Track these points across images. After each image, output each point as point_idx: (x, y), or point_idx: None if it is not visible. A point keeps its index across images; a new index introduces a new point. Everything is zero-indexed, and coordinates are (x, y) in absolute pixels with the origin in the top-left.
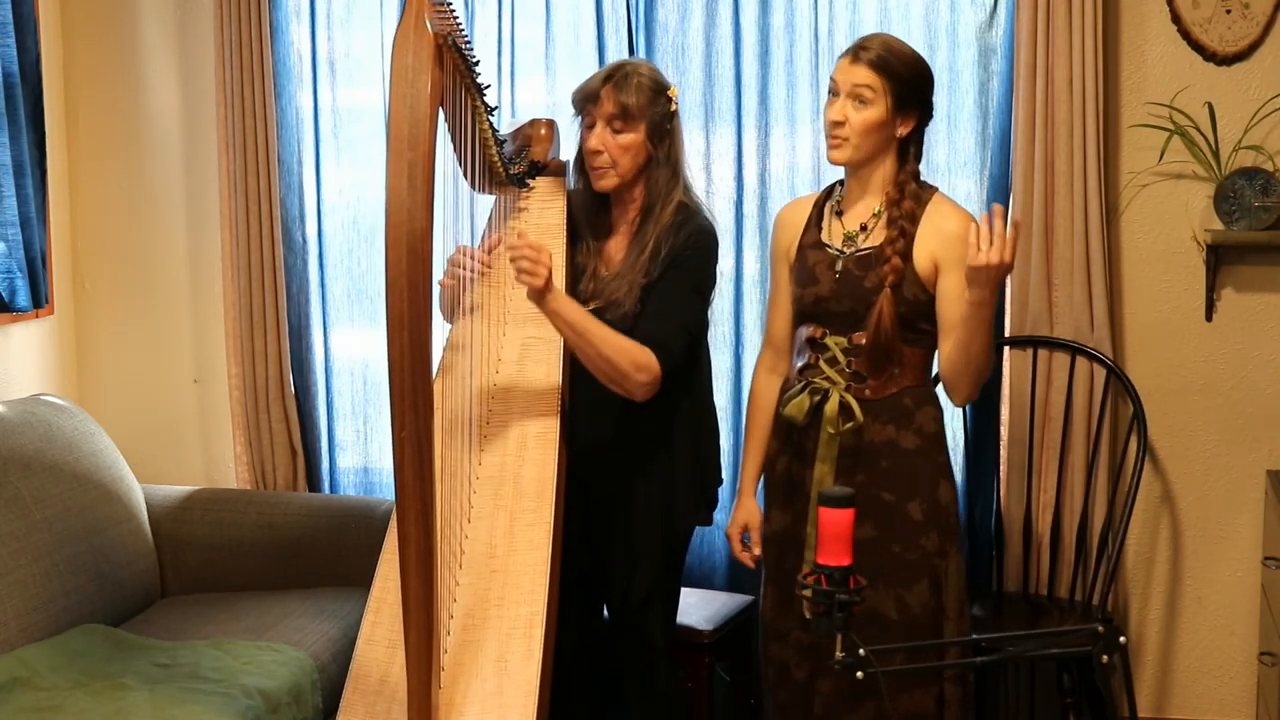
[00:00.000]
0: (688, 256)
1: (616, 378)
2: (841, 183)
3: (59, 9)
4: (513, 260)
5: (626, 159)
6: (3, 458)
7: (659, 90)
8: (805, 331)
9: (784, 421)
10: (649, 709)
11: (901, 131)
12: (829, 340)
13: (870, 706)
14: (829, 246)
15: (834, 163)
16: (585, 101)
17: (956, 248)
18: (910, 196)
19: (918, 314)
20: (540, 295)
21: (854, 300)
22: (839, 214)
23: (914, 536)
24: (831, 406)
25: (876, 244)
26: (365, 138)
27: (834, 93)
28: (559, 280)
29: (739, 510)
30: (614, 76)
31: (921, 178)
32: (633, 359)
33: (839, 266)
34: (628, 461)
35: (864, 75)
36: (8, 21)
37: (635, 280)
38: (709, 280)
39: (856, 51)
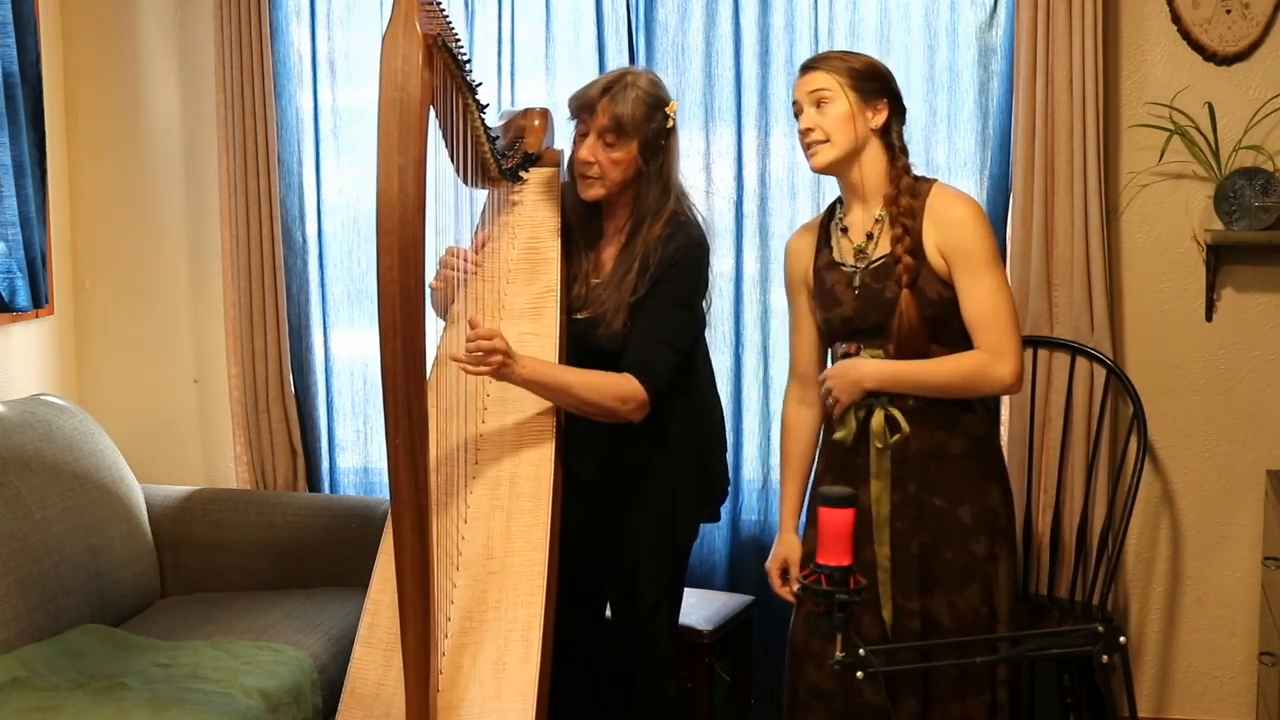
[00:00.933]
0: (674, 272)
1: (606, 414)
2: (840, 200)
3: (59, 9)
4: (466, 360)
5: (616, 172)
6: (3, 458)
7: (656, 105)
8: (840, 349)
9: (831, 442)
10: (658, 714)
11: (875, 122)
12: (865, 354)
13: (970, 701)
14: (843, 265)
15: (817, 170)
16: (581, 110)
17: (955, 234)
18: (906, 192)
19: (947, 313)
20: (505, 376)
21: (879, 314)
22: (844, 230)
23: (964, 541)
24: (877, 421)
25: (886, 251)
26: (365, 138)
27: (798, 112)
28: (554, 274)
29: (779, 545)
30: (612, 88)
31: (918, 173)
32: (615, 394)
33: (857, 282)
34: (627, 462)
35: (817, 79)
36: (8, 21)
37: (623, 300)
38: (698, 292)
39: (804, 67)
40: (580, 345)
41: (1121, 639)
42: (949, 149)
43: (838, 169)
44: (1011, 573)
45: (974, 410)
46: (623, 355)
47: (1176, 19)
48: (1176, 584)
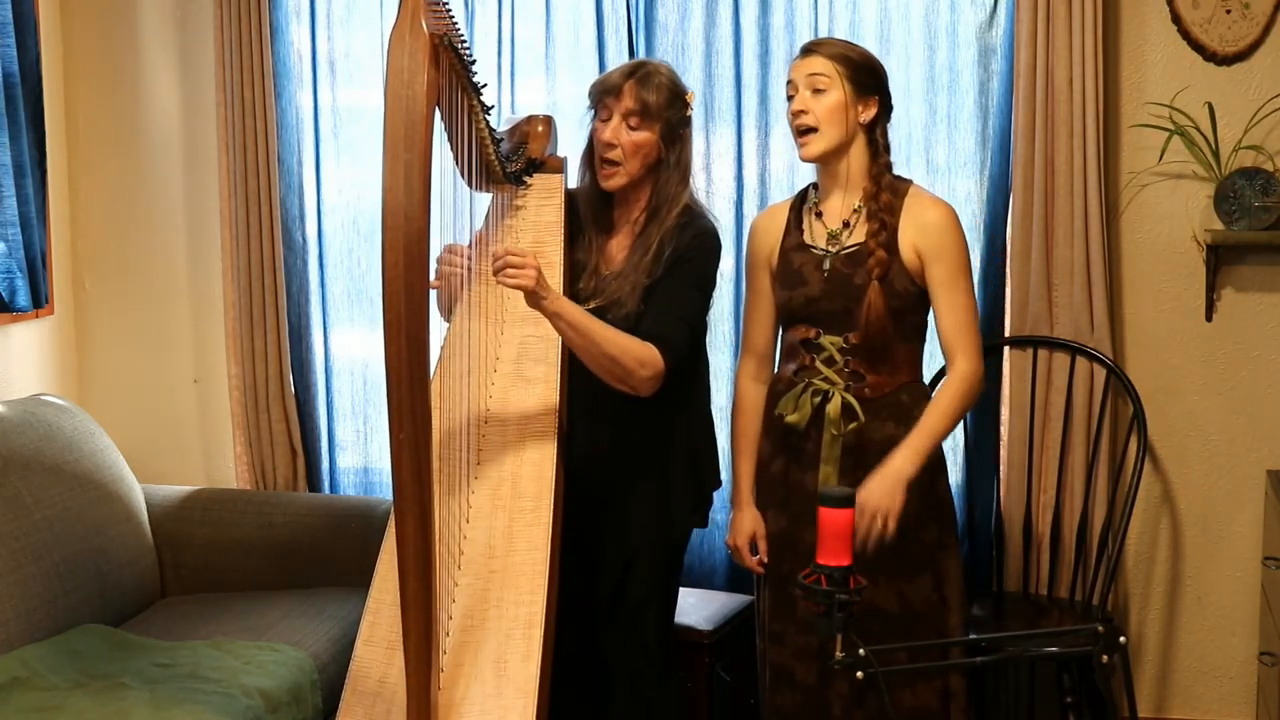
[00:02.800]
0: (691, 255)
1: (621, 375)
2: (815, 185)
3: (59, 9)
4: (496, 271)
5: (637, 158)
6: (3, 458)
7: (677, 94)
8: (797, 333)
9: (779, 424)
10: (635, 713)
11: (864, 117)
12: (824, 340)
13: (921, 688)
14: (813, 247)
15: (807, 159)
16: (605, 95)
17: (936, 237)
18: (887, 189)
19: (909, 307)
20: (535, 297)
21: (846, 299)
22: (818, 215)
23: (915, 530)
24: (834, 408)
25: (860, 240)
26: (365, 138)
27: (791, 94)
28: (556, 278)
29: (744, 520)
30: (637, 73)
31: (908, 175)
32: (635, 356)
33: (826, 266)
34: (625, 464)
35: (816, 64)
36: (8, 21)
37: (639, 281)
38: (711, 278)
39: (805, 50)
40: None
41: (1121, 639)
42: (949, 149)
43: (826, 158)
44: (959, 561)
45: (923, 403)
46: (638, 329)
47: (1176, 19)
48: (1176, 584)
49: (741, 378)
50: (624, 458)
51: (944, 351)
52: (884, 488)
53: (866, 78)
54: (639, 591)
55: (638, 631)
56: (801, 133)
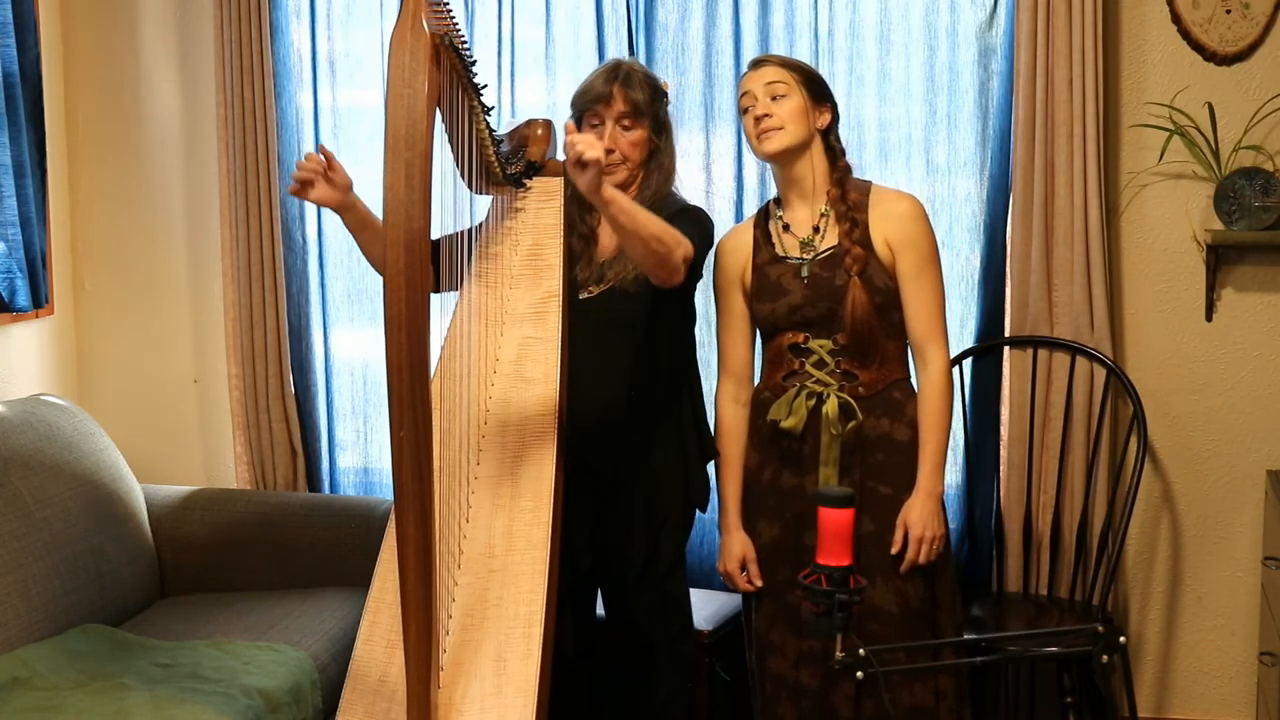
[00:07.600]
0: (686, 210)
1: (665, 254)
2: (777, 200)
3: (59, 9)
4: (574, 161)
5: (636, 154)
6: (3, 458)
7: (657, 86)
8: (783, 340)
9: (767, 431)
10: (678, 677)
11: (820, 122)
12: (813, 344)
13: (918, 688)
14: (788, 258)
15: (768, 153)
16: (595, 102)
17: (908, 227)
18: (854, 189)
19: (891, 303)
20: (599, 179)
21: (829, 301)
22: (785, 228)
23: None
24: (831, 408)
25: (834, 243)
26: (365, 138)
27: (748, 104)
28: (556, 280)
29: (733, 544)
30: (619, 76)
31: (907, 175)
32: (674, 235)
33: (805, 273)
34: (638, 439)
35: (772, 73)
36: (8, 21)
37: None
38: (707, 233)
39: (755, 63)
40: (592, 317)
41: (1121, 639)
42: (949, 149)
43: (788, 158)
44: (951, 559)
45: (913, 399)
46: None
47: (1176, 19)
48: (1176, 584)
49: (722, 400)
50: (635, 431)
51: (914, 343)
52: (928, 511)
53: (819, 87)
54: (669, 556)
55: (672, 595)
56: (763, 132)
